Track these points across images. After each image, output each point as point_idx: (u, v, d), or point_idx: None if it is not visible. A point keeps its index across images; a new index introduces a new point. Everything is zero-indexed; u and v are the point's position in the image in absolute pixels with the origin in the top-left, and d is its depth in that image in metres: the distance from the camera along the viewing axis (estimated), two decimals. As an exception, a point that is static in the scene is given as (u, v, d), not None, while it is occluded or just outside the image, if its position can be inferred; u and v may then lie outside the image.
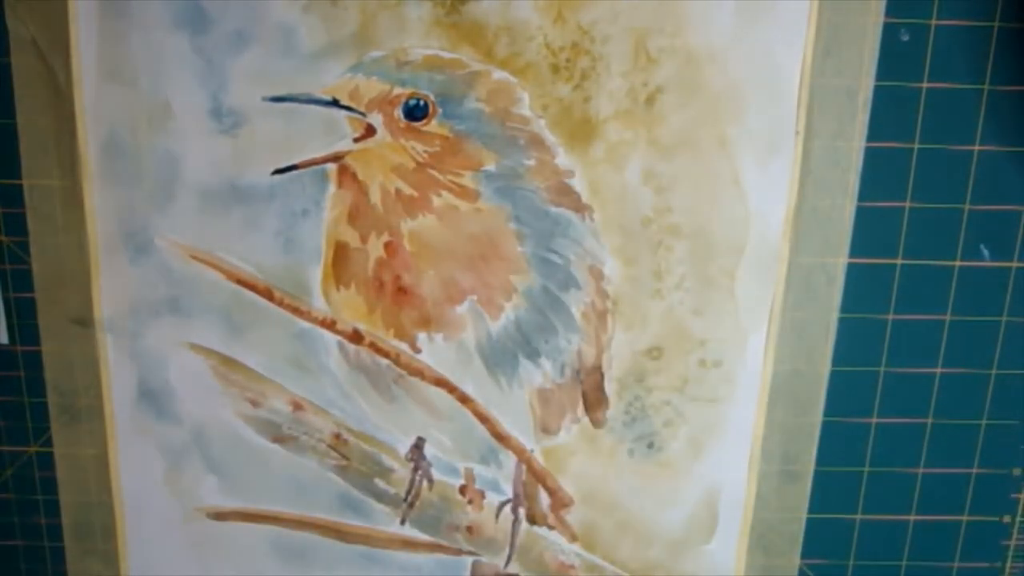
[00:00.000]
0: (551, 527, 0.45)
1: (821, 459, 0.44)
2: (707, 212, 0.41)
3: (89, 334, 0.42)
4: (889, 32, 0.39)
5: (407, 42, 0.39)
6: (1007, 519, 0.45)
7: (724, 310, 0.42)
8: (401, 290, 0.41)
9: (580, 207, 0.41)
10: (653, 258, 0.41)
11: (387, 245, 0.41)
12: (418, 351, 0.42)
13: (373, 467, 0.44)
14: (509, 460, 0.44)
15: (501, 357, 0.42)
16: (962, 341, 0.43)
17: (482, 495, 0.45)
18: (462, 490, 0.44)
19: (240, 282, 0.41)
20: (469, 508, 0.45)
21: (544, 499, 0.44)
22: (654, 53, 0.39)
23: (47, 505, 0.45)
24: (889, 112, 0.40)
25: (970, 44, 0.39)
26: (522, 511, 0.45)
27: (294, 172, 0.40)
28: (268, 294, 0.41)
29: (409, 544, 0.45)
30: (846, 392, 0.43)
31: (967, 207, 0.41)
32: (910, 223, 0.41)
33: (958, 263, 0.42)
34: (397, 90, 0.39)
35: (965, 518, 0.45)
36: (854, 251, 0.41)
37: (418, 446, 0.44)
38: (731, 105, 0.39)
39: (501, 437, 0.43)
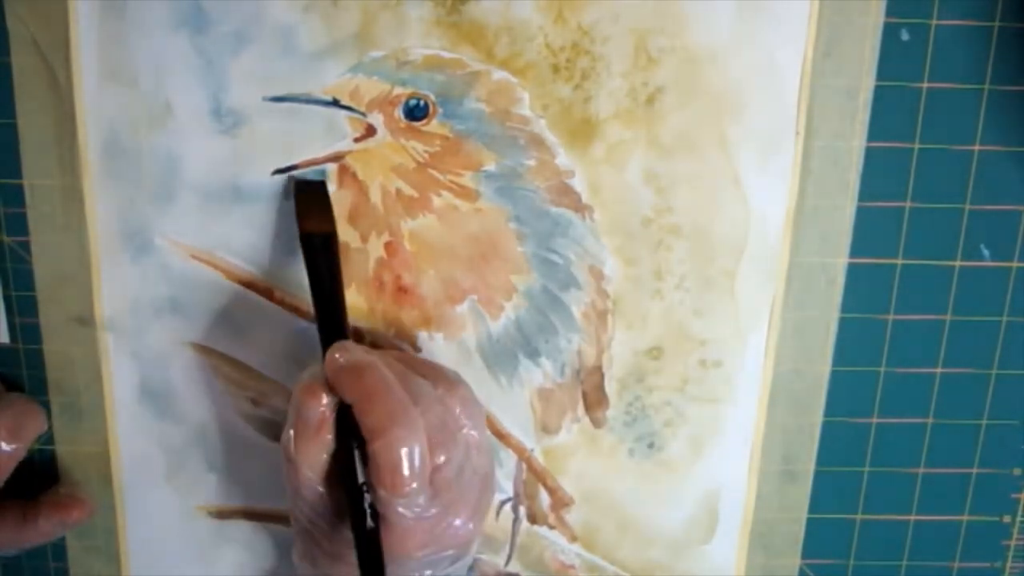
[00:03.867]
0: (551, 526, 0.45)
1: (821, 459, 0.44)
2: (707, 212, 0.41)
3: (90, 333, 0.42)
4: (889, 32, 0.39)
5: (407, 42, 0.39)
6: (1007, 519, 0.45)
7: (724, 310, 0.42)
8: (401, 290, 0.41)
9: (580, 207, 0.41)
10: (653, 258, 0.41)
11: (387, 245, 0.41)
12: (418, 351, 0.42)
13: (373, 466, 0.44)
14: (509, 459, 0.44)
15: (501, 357, 0.42)
16: (962, 341, 0.43)
17: (482, 494, 0.45)
18: (462, 489, 0.44)
19: (240, 281, 0.41)
20: (469, 507, 0.45)
21: (544, 498, 0.45)
22: (654, 53, 0.39)
23: (48, 504, 0.45)
24: (889, 112, 0.40)
25: (970, 44, 0.39)
26: (522, 510, 0.45)
27: (294, 172, 0.40)
28: (268, 294, 0.41)
29: (409, 543, 0.45)
30: (846, 392, 0.43)
31: (967, 207, 0.41)
32: (910, 223, 0.41)
33: (958, 263, 0.42)
34: (397, 90, 0.39)
35: (965, 518, 0.45)
36: (854, 251, 0.41)
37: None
38: (731, 105, 0.39)
39: (501, 436, 0.43)
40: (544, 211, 0.41)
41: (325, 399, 0.35)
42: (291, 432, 0.36)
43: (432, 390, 0.37)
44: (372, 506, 0.35)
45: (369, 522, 0.35)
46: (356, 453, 0.35)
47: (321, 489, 0.36)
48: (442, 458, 0.35)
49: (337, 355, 0.36)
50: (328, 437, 0.35)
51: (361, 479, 0.35)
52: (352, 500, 0.35)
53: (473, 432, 0.38)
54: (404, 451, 0.34)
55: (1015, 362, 0.43)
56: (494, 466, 0.40)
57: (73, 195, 0.40)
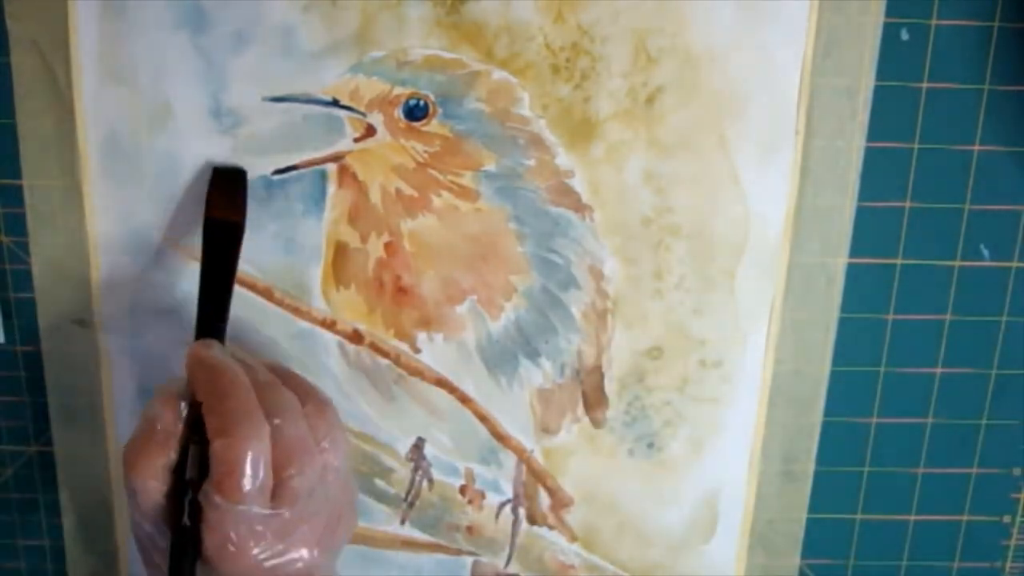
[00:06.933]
0: (551, 527, 0.45)
1: (821, 459, 0.44)
2: (707, 212, 0.41)
3: (89, 334, 0.42)
4: (889, 32, 0.39)
5: (407, 42, 0.39)
6: (1007, 519, 0.45)
7: (724, 310, 0.42)
8: (401, 290, 0.41)
9: (580, 207, 0.41)
10: (653, 258, 0.41)
11: (387, 245, 0.41)
12: (418, 351, 0.42)
13: (373, 467, 0.44)
14: (509, 460, 0.44)
15: (501, 357, 0.42)
16: (962, 341, 0.43)
17: (482, 495, 0.45)
18: (462, 490, 0.44)
19: (240, 282, 0.41)
20: (469, 508, 0.45)
21: (544, 499, 0.44)
22: (654, 53, 0.39)
23: (47, 505, 0.45)
24: (889, 112, 0.40)
25: (970, 44, 0.39)
26: (522, 511, 0.45)
27: (294, 172, 0.40)
28: (268, 294, 0.41)
29: (409, 544, 0.45)
30: (846, 392, 0.43)
31: (967, 207, 0.41)
32: (910, 223, 0.41)
33: (958, 263, 0.42)
34: (397, 90, 0.39)
35: (965, 518, 0.45)
36: (854, 251, 0.41)
37: (418, 446, 0.44)
38: (731, 105, 0.39)
39: (501, 437, 0.43)
40: (544, 211, 0.41)
41: (180, 405, 0.34)
42: (138, 438, 0.34)
43: (297, 405, 0.35)
44: (192, 503, 0.33)
45: (185, 519, 0.33)
46: (194, 458, 0.34)
47: (163, 502, 0.34)
48: (292, 471, 0.34)
49: (199, 349, 0.35)
50: (175, 445, 0.34)
51: (188, 474, 0.33)
52: (175, 497, 0.33)
53: (332, 458, 0.36)
54: (245, 454, 0.32)
55: (1015, 362, 0.43)
56: (354, 508, 0.39)
57: (73, 195, 0.40)
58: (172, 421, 0.34)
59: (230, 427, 0.33)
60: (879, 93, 0.40)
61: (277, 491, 0.34)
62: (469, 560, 0.46)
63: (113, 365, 0.43)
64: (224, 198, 0.38)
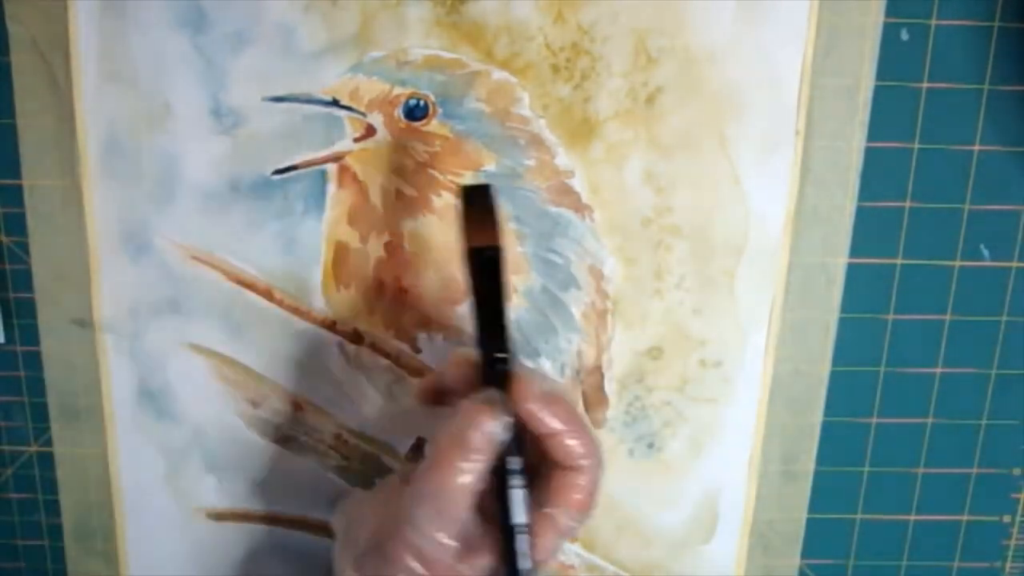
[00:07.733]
0: (551, 527, 0.45)
1: (821, 459, 0.44)
2: (707, 212, 0.41)
3: (89, 334, 0.42)
4: (889, 32, 0.39)
5: (407, 42, 0.39)
6: (1007, 519, 0.45)
7: (724, 310, 0.42)
8: (401, 290, 0.41)
9: (580, 207, 0.41)
10: (653, 258, 0.41)
11: (387, 245, 0.41)
12: (418, 351, 0.42)
13: (373, 467, 0.44)
14: (509, 460, 0.44)
15: (501, 357, 0.42)
16: (962, 341, 0.43)
17: (482, 495, 0.44)
18: (462, 490, 0.44)
19: (240, 282, 0.41)
20: (469, 508, 0.45)
21: (544, 499, 0.44)
22: (654, 53, 0.39)
23: (47, 505, 0.45)
24: (889, 112, 0.40)
25: (970, 44, 0.39)
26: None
27: (294, 172, 0.40)
28: (268, 294, 0.41)
29: (409, 544, 0.45)
30: (846, 392, 0.43)
31: (967, 207, 0.41)
32: (910, 223, 0.41)
33: (958, 263, 0.42)
34: (397, 90, 0.39)
35: (965, 518, 0.45)
36: (854, 251, 0.41)
37: (418, 446, 0.44)
38: (731, 105, 0.39)
39: (501, 437, 0.43)
40: (544, 211, 0.41)
41: (501, 422, 0.33)
42: (459, 438, 0.33)
43: None
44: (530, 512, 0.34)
45: (528, 563, 0.34)
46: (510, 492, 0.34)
47: (462, 517, 0.34)
48: None
49: (542, 384, 0.34)
50: (484, 461, 0.33)
51: (519, 520, 0.34)
52: (507, 538, 0.34)
53: None
54: (601, 476, 0.35)
55: (1015, 362, 0.43)
56: None
57: (73, 195, 0.40)
58: (492, 435, 0.33)
59: (593, 451, 0.34)
60: (879, 93, 0.40)
61: None
62: (469, 560, 0.46)
63: (113, 365, 0.43)
64: (481, 223, 0.35)
